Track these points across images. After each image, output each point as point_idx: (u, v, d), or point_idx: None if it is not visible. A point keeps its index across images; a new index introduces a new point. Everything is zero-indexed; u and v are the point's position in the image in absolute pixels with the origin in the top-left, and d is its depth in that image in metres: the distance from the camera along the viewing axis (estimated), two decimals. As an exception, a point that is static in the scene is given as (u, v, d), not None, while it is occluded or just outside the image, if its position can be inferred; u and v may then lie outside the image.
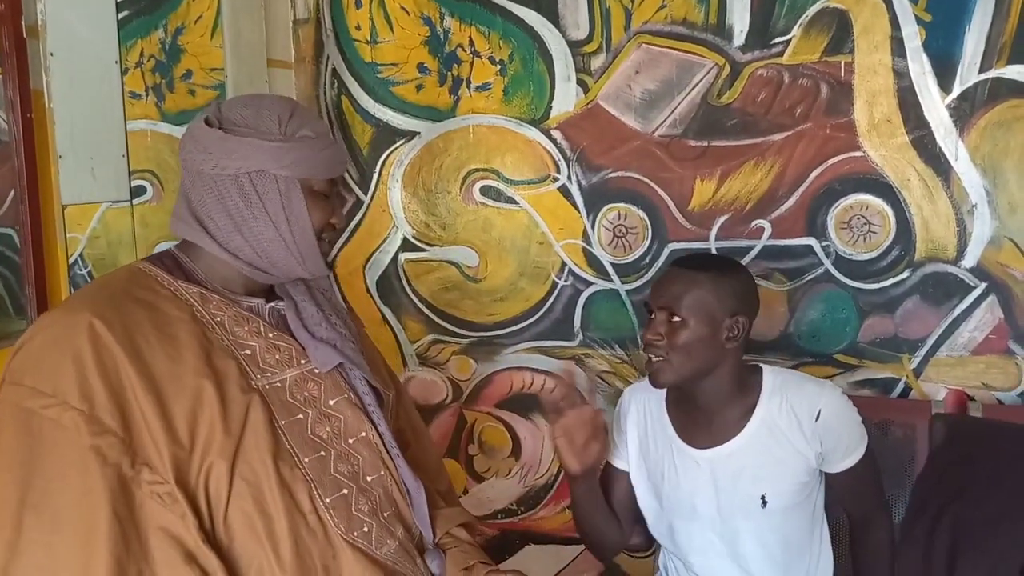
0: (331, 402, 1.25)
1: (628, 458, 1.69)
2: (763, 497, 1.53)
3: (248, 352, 1.20)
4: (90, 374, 1.07)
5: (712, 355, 1.51)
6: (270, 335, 1.23)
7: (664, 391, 1.63)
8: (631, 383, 2.14)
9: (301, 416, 1.20)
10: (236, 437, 1.12)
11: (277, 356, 1.22)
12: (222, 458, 1.11)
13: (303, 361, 1.24)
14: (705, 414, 1.56)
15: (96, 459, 1.05)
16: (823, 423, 1.52)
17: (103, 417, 1.07)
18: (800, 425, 1.52)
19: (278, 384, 1.20)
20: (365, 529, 1.20)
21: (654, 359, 1.52)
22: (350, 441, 1.25)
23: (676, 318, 1.49)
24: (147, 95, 2.30)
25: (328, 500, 1.17)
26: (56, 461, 1.06)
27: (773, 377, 1.57)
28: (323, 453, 1.20)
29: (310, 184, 1.19)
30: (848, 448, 1.55)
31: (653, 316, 1.53)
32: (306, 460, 1.18)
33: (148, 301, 1.16)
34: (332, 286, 1.41)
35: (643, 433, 1.66)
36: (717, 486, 1.56)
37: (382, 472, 1.27)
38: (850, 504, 1.64)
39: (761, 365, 1.60)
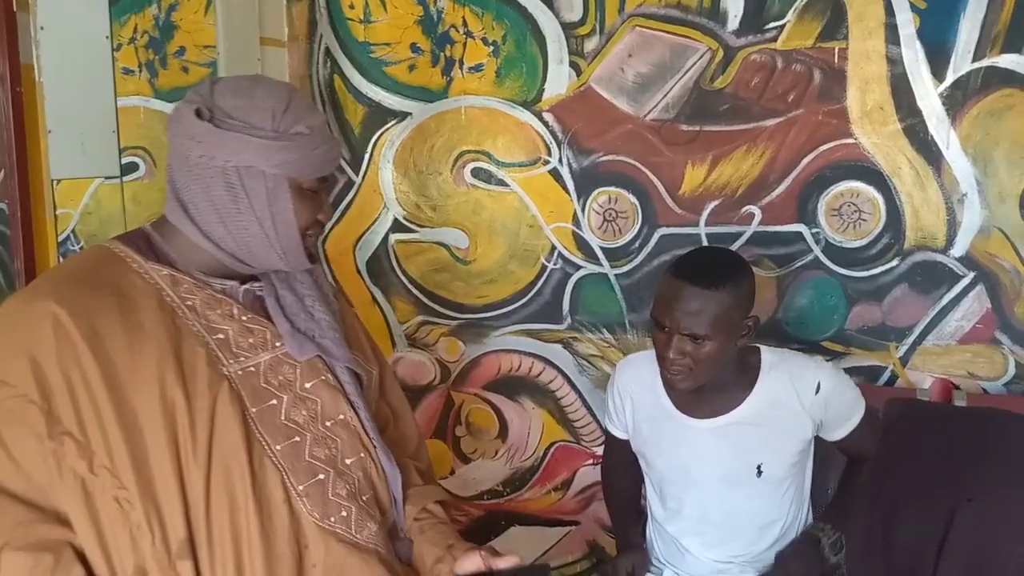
0: (307, 385, 1.23)
1: (627, 427, 1.73)
2: (759, 467, 1.57)
3: (220, 336, 1.17)
4: (49, 370, 1.06)
5: (729, 355, 1.54)
6: (244, 318, 1.20)
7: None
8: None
9: (275, 401, 1.18)
10: (206, 432, 1.10)
11: (251, 340, 1.20)
12: (193, 454, 1.09)
13: (278, 344, 1.22)
14: (706, 391, 1.57)
15: (53, 460, 1.05)
16: (823, 395, 1.56)
17: (61, 416, 1.06)
18: (800, 398, 1.56)
19: (251, 369, 1.18)
20: (343, 514, 1.18)
21: (676, 372, 1.51)
22: (327, 424, 1.23)
23: (699, 338, 1.47)
24: (140, 71, 2.30)
25: (302, 487, 1.16)
26: (20, 451, 1.06)
27: (771, 355, 1.60)
28: (297, 439, 1.18)
29: (299, 182, 1.16)
30: (848, 415, 1.60)
31: (667, 330, 1.49)
32: (278, 448, 1.16)
33: (115, 285, 1.13)
34: (321, 270, 1.38)
35: (638, 404, 1.69)
36: (714, 455, 1.59)
37: (362, 455, 1.25)
38: (850, 451, 1.67)
39: (759, 345, 1.61)
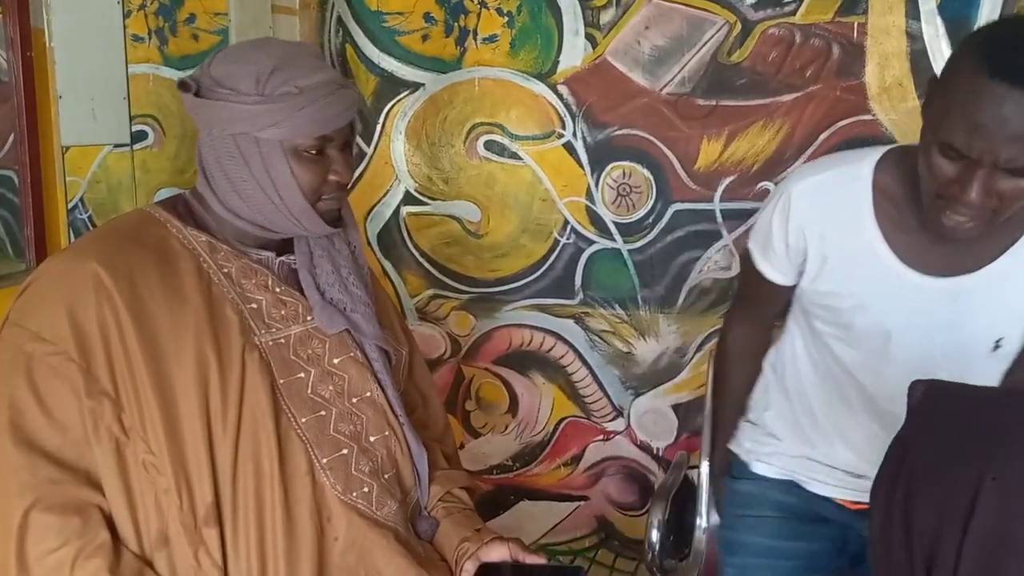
0: (335, 360, 1.24)
1: (794, 273, 1.32)
2: (998, 341, 1.22)
3: (254, 306, 1.17)
4: (89, 329, 1.07)
5: None
6: (277, 289, 1.21)
7: (871, 193, 1.22)
8: (630, 343, 2.15)
9: (302, 375, 1.19)
10: (236, 400, 1.11)
11: (283, 311, 1.20)
12: (223, 421, 1.10)
13: (309, 318, 1.22)
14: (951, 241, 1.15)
15: (91, 419, 1.06)
16: None
17: (99, 375, 1.07)
18: None
19: (281, 340, 1.19)
20: (365, 489, 1.19)
21: (970, 218, 1.08)
22: (354, 400, 1.24)
23: (1021, 173, 1.03)
24: (150, 38, 2.27)
25: (325, 460, 1.17)
26: (58, 407, 1.07)
27: None
28: (323, 412, 1.19)
29: (295, 144, 1.12)
30: None
31: (970, 161, 1.04)
32: (303, 420, 1.17)
33: (156, 249, 1.14)
34: (359, 239, 1.35)
35: (831, 244, 1.26)
36: (938, 321, 1.22)
37: (386, 433, 1.26)
38: None
39: None
